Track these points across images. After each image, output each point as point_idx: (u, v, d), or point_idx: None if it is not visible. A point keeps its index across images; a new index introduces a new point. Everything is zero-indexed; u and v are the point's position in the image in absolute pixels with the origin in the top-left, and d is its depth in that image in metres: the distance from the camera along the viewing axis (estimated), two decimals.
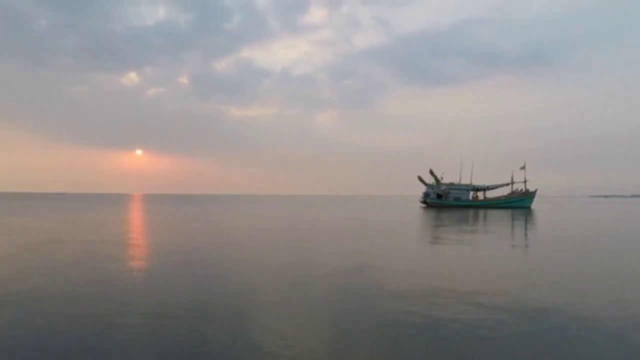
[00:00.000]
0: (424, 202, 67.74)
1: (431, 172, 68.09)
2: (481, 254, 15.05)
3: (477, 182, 68.60)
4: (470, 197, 67.95)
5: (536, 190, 65.69)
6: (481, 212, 47.41)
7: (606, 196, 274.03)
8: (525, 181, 65.81)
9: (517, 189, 66.73)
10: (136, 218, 34.51)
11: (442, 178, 68.13)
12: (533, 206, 64.04)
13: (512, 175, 66.88)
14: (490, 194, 68.50)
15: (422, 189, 68.67)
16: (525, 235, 21.79)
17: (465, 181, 68.84)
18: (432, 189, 67.50)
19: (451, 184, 67.80)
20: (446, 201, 66.12)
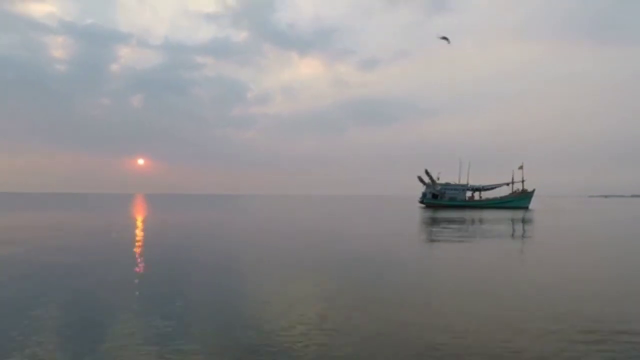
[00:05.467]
0: (422, 202, 66.68)
1: (426, 172, 66.87)
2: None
3: (476, 183, 67.36)
4: (467, 197, 66.81)
5: (534, 190, 64.44)
6: (468, 212, 46.22)
7: (606, 196, 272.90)
8: (523, 181, 64.62)
9: (517, 189, 65.46)
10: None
11: (438, 178, 66.99)
12: (531, 206, 62.81)
13: (513, 176, 65.52)
14: (490, 194, 67.15)
15: (421, 189, 67.66)
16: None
17: (465, 182, 67.55)
18: (429, 189, 66.46)
19: (447, 184, 66.64)
20: (441, 201, 64.96)
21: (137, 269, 10.78)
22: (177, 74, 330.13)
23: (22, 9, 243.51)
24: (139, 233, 21.30)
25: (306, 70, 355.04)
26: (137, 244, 16.59)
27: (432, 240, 19.19)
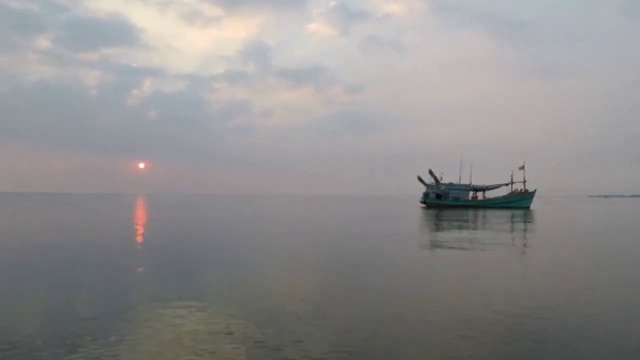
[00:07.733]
0: (424, 202, 67.60)
1: (430, 172, 67.68)
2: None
3: (477, 183, 68.43)
4: (470, 197, 67.88)
5: (535, 190, 65.51)
6: (476, 212, 47.43)
7: (606, 196, 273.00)
8: (524, 181, 65.64)
9: (516, 189, 66.54)
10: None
11: (441, 178, 67.85)
12: (532, 206, 63.86)
13: (512, 176, 66.56)
14: (491, 194, 68.22)
15: (421, 189, 68.56)
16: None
17: (465, 181, 68.56)
18: (431, 189, 67.31)
19: (450, 184, 67.59)
20: (445, 201, 65.86)
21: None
22: (192, 94, 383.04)
23: (80, 56, 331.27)
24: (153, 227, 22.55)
25: (303, 93, 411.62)
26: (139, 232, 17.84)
27: (438, 241, 20.28)
